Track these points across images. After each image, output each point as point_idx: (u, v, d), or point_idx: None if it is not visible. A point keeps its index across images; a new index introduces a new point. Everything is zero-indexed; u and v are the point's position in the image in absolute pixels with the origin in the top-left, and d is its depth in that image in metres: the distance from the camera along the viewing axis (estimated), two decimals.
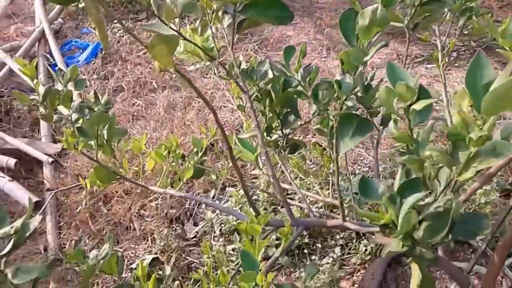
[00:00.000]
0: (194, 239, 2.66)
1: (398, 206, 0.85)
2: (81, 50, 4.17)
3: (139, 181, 1.65)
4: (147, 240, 2.64)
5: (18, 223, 1.12)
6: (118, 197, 2.86)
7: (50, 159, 3.04)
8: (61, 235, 2.75)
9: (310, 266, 1.44)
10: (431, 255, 0.84)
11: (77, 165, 3.09)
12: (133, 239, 2.65)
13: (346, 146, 1.11)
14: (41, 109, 1.45)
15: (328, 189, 2.46)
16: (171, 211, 2.75)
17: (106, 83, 3.85)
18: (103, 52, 4.06)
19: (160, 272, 2.37)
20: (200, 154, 1.65)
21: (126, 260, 2.51)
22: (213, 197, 2.81)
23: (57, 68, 3.88)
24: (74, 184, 2.97)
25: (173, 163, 1.68)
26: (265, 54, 4.12)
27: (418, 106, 0.83)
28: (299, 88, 1.13)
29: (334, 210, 2.34)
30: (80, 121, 1.51)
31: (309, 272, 1.42)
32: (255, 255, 1.08)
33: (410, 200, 0.81)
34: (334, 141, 1.11)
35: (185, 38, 1.40)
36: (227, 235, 2.61)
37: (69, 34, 4.45)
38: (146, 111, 3.60)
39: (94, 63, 4.02)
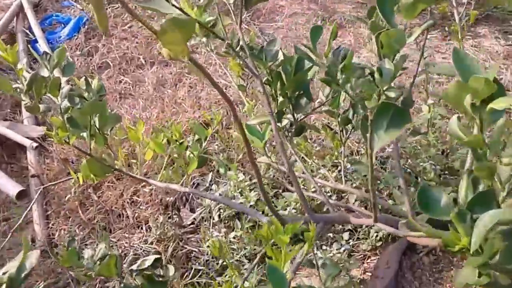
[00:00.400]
0: (192, 226, 2.51)
1: (469, 224, 0.70)
2: (62, 25, 3.93)
3: (137, 173, 1.49)
4: (141, 229, 2.49)
5: (12, 267, 0.93)
6: (109, 182, 2.70)
7: (34, 144, 2.85)
8: (50, 225, 2.59)
9: (331, 266, 1.31)
10: (507, 281, 0.70)
11: (63, 148, 2.91)
12: (126, 227, 2.50)
13: (381, 141, 0.96)
14: (26, 99, 1.27)
15: (334, 171, 2.33)
16: (166, 197, 2.60)
17: (90, 59, 3.64)
18: (86, 26, 3.83)
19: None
20: (204, 143, 1.48)
21: (120, 250, 2.36)
22: (210, 181, 2.66)
23: (37, 44, 3.65)
24: (61, 169, 2.80)
25: (175, 155, 1.52)
26: (257, 25, 3.92)
27: (498, 104, 0.68)
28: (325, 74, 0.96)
29: (343, 195, 2.20)
30: (70, 111, 1.34)
31: (329, 273, 1.29)
32: (281, 266, 0.94)
33: (487, 219, 0.66)
34: (368, 135, 0.95)
35: (181, 10, 1.23)
36: (226, 221, 2.47)
37: (49, 8, 4.19)
38: (134, 88, 3.40)
39: (76, 39, 3.79)
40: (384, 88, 0.84)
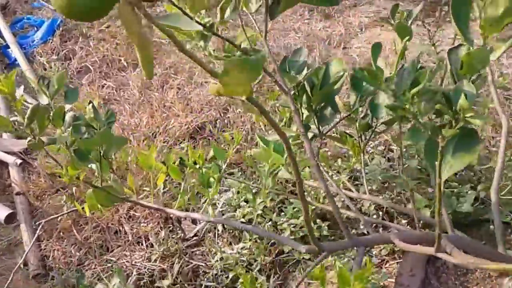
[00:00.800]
0: (195, 238, 2.38)
1: None
2: (35, 28, 3.71)
3: (152, 201, 1.34)
4: (142, 245, 2.34)
5: None
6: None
7: (18, 161, 2.67)
8: (42, 246, 2.42)
9: None
10: None
11: (48, 162, 2.73)
12: (125, 245, 2.35)
13: (452, 169, 0.85)
14: (28, 136, 1.12)
15: (347, 175, 2.23)
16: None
17: (68, 64, 3.44)
18: (61, 29, 3.62)
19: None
20: (224, 166, 1.34)
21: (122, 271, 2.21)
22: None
23: (9, 50, 3.43)
24: (48, 185, 2.63)
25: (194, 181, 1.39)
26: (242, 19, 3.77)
27: None
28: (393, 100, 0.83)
29: (358, 201, 2.10)
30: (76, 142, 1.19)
31: None
32: None
33: None
34: (437, 162, 0.84)
35: (204, 26, 1.11)
36: (231, 231, 2.35)
37: (18, 10, 3.96)
38: (118, 93, 3.23)
39: (51, 42, 3.58)
40: (467, 115, 0.73)
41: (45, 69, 3.38)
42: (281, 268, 2.22)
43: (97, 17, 0.55)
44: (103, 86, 3.26)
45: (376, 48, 0.89)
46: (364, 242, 1.23)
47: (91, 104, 1.22)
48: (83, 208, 1.42)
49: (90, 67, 3.39)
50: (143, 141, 2.73)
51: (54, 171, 2.69)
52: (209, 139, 2.80)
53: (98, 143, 1.18)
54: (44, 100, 1.19)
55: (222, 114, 2.97)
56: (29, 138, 1.14)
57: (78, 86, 3.29)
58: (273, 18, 1.10)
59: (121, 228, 2.43)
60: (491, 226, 2.01)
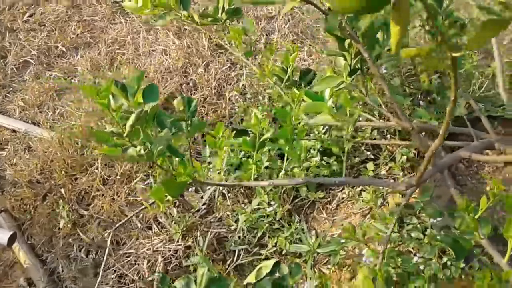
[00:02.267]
0: (204, 207, 2.29)
1: None
2: None
3: (211, 177, 1.24)
4: (154, 229, 2.23)
5: None
6: (95, 191, 2.38)
7: None
8: (45, 259, 2.25)
9: None
10: None
11: (21, 170, 2.51)
12: (138, 233, 2.23)
13: None
14: (130, 149, 1.01)
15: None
16: None
17: (4, 62, 3.13)
18: None
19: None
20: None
21: (147, 261, 2.10)
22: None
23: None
24: (31, 193, 2.42)
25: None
26: None
27: None
28: None
29: None
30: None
31: None
32: None
33: None
34: None
35: None
36: (237, 190, 2.28)
37: None
38: (68, 81, 2.99)
39: None
40: None
41: None
42: (299, 212, 2.20)
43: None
44: (51, 77, 3.00)
45: None
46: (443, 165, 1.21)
47: (179, 98, 1.13)
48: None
49: (30, 60, 3.11)
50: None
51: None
52: None
53: (193, 134, 1.11)
54: (121, 102, 1.06)
55: (184, 78, 2.83)
56: (130, 150, 1.02)
57: (22, 82, 3.02)
58: None
59: (125, 217, 2.30)
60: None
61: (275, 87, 2.44)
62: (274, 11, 3.01)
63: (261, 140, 1.57)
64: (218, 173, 2.03)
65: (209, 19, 2.00)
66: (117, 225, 2.09)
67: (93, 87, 0.98)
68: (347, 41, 1.43)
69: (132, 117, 1.00)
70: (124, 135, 1.03)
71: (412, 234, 1.88)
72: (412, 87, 2.24)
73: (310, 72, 2.10)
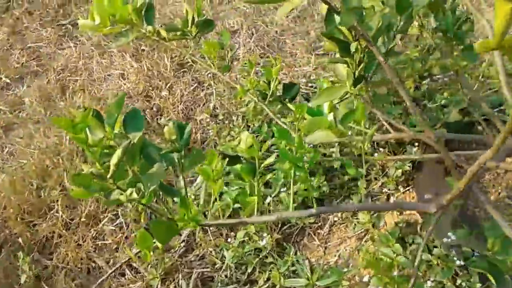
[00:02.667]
0: (183, 244, 2.06)
1: None
2: None
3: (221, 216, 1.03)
4: (128, 275, 1.97)
5: None
6: (57, 238, 2.10)
7: None
8: None
9: None
10: None
11: None
12: (108, 282, 1.97)
13: None
14: (115, 192, 0.79)
15: None
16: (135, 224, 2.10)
17: None
18: None
19: None
20: None
21: None
22: None
23: None
24: None
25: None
26: None
27: None
28: None
29: None
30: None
31: None
32: None
33: None
34: None
35: None
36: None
37: None
38: (15, 114, 2.70)
39: None
40: None
41: None
42: (288, 240, 2.00)
43: None
44: None
45: None
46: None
47: (171, 124, 0.91)
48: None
49: None
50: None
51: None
52: (147, 133, 2.44)
53: (190, 168, 0.90)
54: (99, 134, 0.83)
55: (147, 102, 2.60)
56: (115, 194, 0.80)
57: None
58: None
59: (93, 264, 2.04)
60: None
61: (250, 105, 2.25)
62: (236, 25, 2.83)
63: (262, 166, 1.37)
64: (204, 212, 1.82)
65: (178, 33, 1.80)
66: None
67: (68, 119, 0.76)
68: (353, 45, 1.25)
69: (118, 153, 0.78)
70: (108, 176, 0.80)
71: (423, 257, 1.71)
72: (396, 94, 2.09)
73: (293, 86, 1.93)
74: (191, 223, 0.95)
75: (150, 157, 0.94)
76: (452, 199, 1.21)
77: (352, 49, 1.28)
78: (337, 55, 1.34)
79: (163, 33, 1.72)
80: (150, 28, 1.67)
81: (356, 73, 1.30)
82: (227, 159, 1.26)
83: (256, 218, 1.33)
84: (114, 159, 0.79)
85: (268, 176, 1.50)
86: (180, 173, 1.07)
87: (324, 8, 1.10)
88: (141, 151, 0.90)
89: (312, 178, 2.02)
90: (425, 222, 1.81)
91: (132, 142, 0.82)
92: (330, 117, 1.35)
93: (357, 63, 1.27)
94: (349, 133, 1.72)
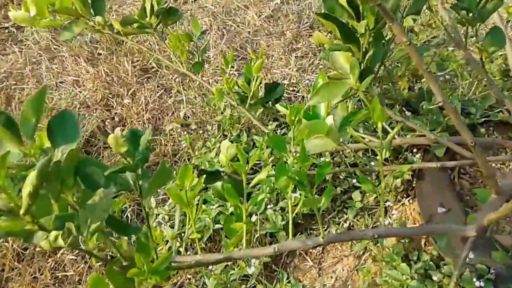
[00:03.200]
0: None
1: None
2: None
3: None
4: None
5: None
6: (9, 271, 1.80)
7: None
8: None
9: None
10: None
11: None
12: None
13: None
14: (38, 234, 0.53)
15: None
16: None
17: None
18: None
19: None
20: None
21: None
22: None
23: None
24: None
25: None
26: None
27: None
28: None
29: None
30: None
31: None
32: None
33: None
34: None
35: None
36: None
37: None
38: None
39: None
40: None
41: None
42: (277, 263, 1.78)
43: None
44: None
45: None
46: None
47: (117, 131, 0.64)
48: None
49: None
50: None
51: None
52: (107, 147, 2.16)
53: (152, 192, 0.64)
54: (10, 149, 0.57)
55: (107, 112, 2.32)
56: (39, 236, 0.54)
57: None
58: None
59: None
60: None
61: (226, 112, 2.03)
62: (204, 25, 2.59)
63: (252, 185, 1.12)
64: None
65: (135, 25, 1.55)
66: None
67: None
68: (362, 24, 1.04)
69: (32, 176, 0.54)
70: (21, 212, 0.56)
71: (434, 277, 1.52)
72: (388, 95, 1.92)
73: (277, 86, 1.71)
74: (153, 278, 0.70)
75: (91, 180, 0.69)
76: (496, 220, 1.02)
77: (361, 30, 1.06)
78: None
79: (116, 25, 1.47)
80: (99, 19, 1.42)
81: (363, 64, 1.10)
82: (205, 175, 1.01)
83: (246, 252, 1.08)
84: (27, 187, 0.54)
85: (260, 197, 1.23)
86: (141, 199, 0.82)
87: None
88: (77, 172, 0.65)
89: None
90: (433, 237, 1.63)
91: (55, 160, 0.57)
92: (330, 120, 1.13)
93: (363, 50, 1.05)
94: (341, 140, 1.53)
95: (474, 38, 1.22)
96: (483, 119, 1.81)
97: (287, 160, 1.14)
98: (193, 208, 1.00)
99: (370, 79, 1.00)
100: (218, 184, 1.19)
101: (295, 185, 0.98)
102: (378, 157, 1.85)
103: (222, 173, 1.30)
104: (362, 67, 1.10)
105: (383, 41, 1.16)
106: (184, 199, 0.96)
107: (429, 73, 0.94)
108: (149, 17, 1.54)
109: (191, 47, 1.71)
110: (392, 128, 1.78)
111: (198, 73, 1.72)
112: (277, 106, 1.30)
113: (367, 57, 1.08)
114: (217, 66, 2.34)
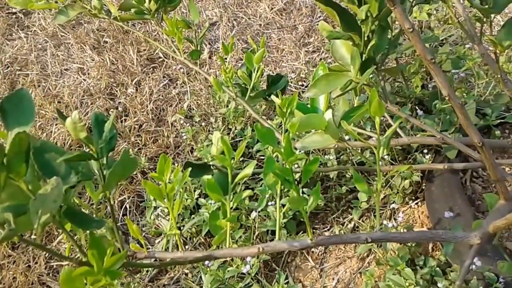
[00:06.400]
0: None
1: None
2: None
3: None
4: None
5: None
6: (2, 259, 1.76)
7: None
8: None
9: None
10: None
11: None
12: None
13: None
14: None
15: None
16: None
17: None
18: None
19: None
20: None
21: None
22: None
23: None
24: None
25: None
26: None
27: None
28: None
29: None
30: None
31: None
32: None
33: None
34: None
35: None
36: (197, 239, 1.77)
37: None
38: None
39: None
40: None
41: None
42: (278, 262, 1.72)
43: None
44: None
45: None
46: None
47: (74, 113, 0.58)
48: None
49: None
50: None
51: None
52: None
53: (114, 184, 0.57)
54: None
55: (111, 101, 2.27)
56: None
57: None
58: None
59: None
60: None
61: (230, 105, 1.97)
62: (215, 16, 2.54)
63: (238, 179, 1.02)
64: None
65: (133, 10, 1.50)
66: None
67: None
68: (364, 9, 0.96)
69: None
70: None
71: (439, 284, 1.45)
72: (399, 94, 1.85)
73: (280, 78, 1.64)
74: (106, 278, 0.62)
75: (50, 168, 0.62)
76: (503, 227, 0.95)
77: (362, 15, 0.98)
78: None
79: (113, 9, 1.42)
80: (95, 2, 1.37)
81: (365, 55, 1.02)
82: (190, 168, 0.93)
83: (228, 251, 1.00)
84: None
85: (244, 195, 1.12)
86: (104, 191, 0.74)
87: None
88: (32, 157, 0.59)
89: (305, 190, 1.76)
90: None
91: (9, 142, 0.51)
92: (328, 115, 1.06)
93: (365, 39, 0.98)
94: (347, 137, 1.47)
95: (488, 31, 1.14)
96: (498, 121, 1.74)
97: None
98: (175, 203, 0.94)
99: (371, 71, 0.94)
100: (205, 178, 1.12)
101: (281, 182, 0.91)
102: (386, 157, 1.79)
103: (212, 167, 1.23)
104: (364, 58, 1.03)
105: (390, 32, 1.10)
106: (162, 191, 0.89)
107: (435, 64, 0.87)
108: (148, 2, 1.48)
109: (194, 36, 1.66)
110: (401, 128, 1.71)
111: (197, 62, 1.66)
112: (272, 97, 1.22)
113: (369, 47, 1.00)
114: (225, 58, 2.28)
